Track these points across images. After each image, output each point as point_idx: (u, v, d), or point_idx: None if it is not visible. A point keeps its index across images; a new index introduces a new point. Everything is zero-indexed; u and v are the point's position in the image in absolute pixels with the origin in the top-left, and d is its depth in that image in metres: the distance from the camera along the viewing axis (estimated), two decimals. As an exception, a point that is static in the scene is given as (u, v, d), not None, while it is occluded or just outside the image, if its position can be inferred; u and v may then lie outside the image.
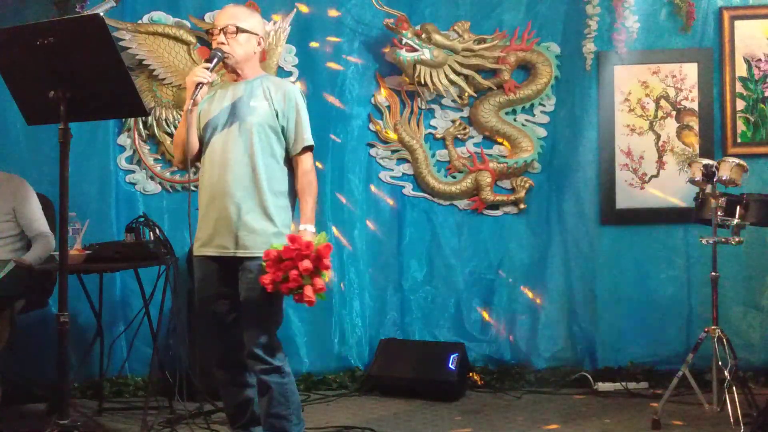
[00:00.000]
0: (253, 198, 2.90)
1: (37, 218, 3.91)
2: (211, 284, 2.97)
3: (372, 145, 4.73)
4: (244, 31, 2.94)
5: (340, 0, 4.68)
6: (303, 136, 2.96)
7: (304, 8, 4.67)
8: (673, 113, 4.60)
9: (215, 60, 2.89)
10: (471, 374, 4.51)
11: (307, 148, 2.97)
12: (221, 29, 2.94)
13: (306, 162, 2.97)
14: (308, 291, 2.69)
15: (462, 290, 4.69)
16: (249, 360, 2.90)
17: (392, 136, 4.70)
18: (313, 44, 4.70)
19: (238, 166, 2.90)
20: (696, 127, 4.58)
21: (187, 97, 2.85)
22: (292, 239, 2.74)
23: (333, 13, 4.69)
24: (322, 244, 2.76)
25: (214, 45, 2.96)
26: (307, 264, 2.67)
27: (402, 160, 4.73)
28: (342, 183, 4.70)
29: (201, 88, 2.84)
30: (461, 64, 4.62)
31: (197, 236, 3.00)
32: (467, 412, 4.02)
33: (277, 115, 2.94)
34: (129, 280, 4.40)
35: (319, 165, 4.64)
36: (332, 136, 4.69)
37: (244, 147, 2.91)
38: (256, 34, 3.00)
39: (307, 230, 2.86)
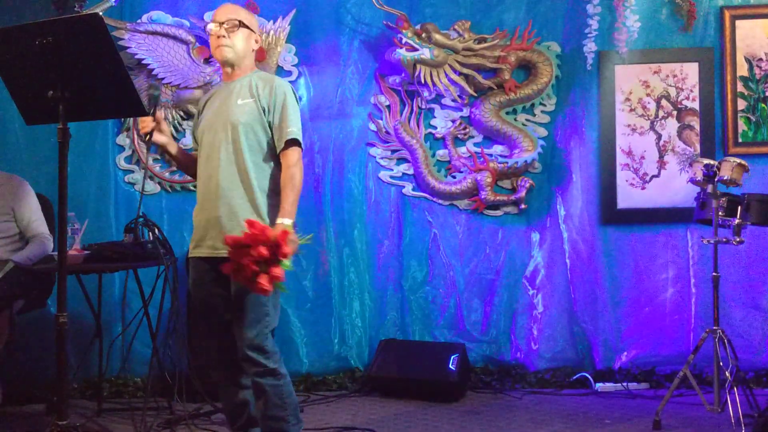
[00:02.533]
0: (243, 197, 2.89)
1: (35, 219, 3.90)
2: (205, 285, 2.95)
3: (372, 145, 4.73)
4: (245, 26, 2.98)
5: (340, 0, 4.67)
6: (287, 130, 2.89)
7: (304, 8, 4.67)
8: (674, 113, 4.59)
9: (154, 102, 3.00)
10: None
11: (292, 142, 2.90)
12: (221, 24, 2.95)
13: (290, 156, 2.89)
14: (262, 279, 2.58)
15: (462, 290, 4.68)
16: (243, 363, 2.87)
17: (392, 133, 4.69)
18: (313, 44, 4.69)
19: (227, 167, 2.90)
20: (697, 127, 4.57)
21: (146, 152, 2.95)
22: (251, 224, 2.65)
23: (333, 12, 4.68)
24: (280, 230, 2.66)
25: (213, 40, 2.97)
26: (261, 250, 2.57)
27: (402, 160, 4.72)
28: (342, 183, 4.69)
29: (150, 137, 2.91)
30: (461, 64, 4.61)
31: (192, 237, 3.00)
32: (467, 413, 4.02)
33: (264, 112, 2.92)
34: (128, 280, 4.39)
35: (320, 164, 4.64)
36: (332, 136, 4.68)
37: (231, 147, 2.90)
38: (254, 32, 3.03)
39: (284, 223, 2.76)
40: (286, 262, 2.64)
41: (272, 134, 2.93)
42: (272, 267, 2.60)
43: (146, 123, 2.90)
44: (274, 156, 2.95)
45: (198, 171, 3.00)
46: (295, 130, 2.91)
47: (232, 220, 2.87)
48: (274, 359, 2.87)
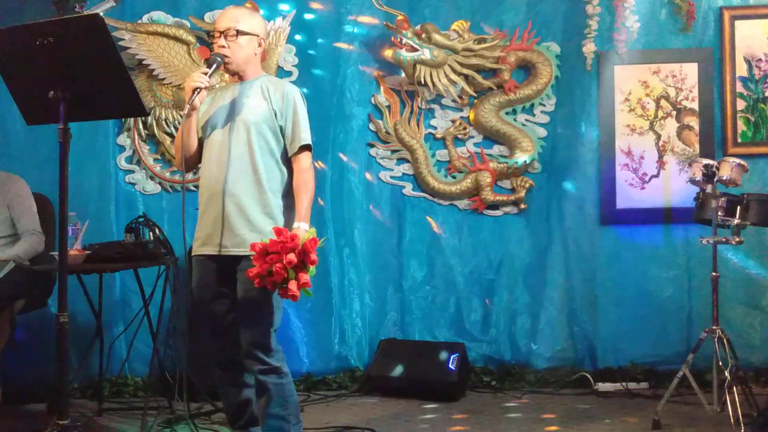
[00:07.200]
0: (253, 196, 2.89)
1: (29, 216, 3.89)
2: (210, 284, 2.95)
3: (372, 145, 4.73)
4: (244, 33, 2.94)
5: (340, 0, 4.67)
6: (300, 135, 2.94)
7: (304, 8, 4.67)
8: (674, 113, 4.60)
9: (214, 65, 2.88)
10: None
11: (305, 148, 2.95)
12: (222, 32, 2.93)
13: (303, 161, 2.95)
14: (292, 285, 2.63)
15: (462, 290, 4.68)
16: (246, 360, 2.89)
17: (392, 133, 4.70)
18: (313, 44, 4.69)
19: (237, 164, 2.89)
20: (696, 127, 4.58)
21: (186, 101, 2.85)
22: (278, 232, 2.69)
23: (333, 13, 4.68)
24: (308, 238, 2.69)
25: (215, 48, 2.95)
26: (291, 257, 2.61)
27: (402, 160, 4.73)
28: (342, 183, 4.69)
29: (198, 93, 2.83)
30: (461, 64, 4.61)
31: (197, 235, 2.99)
32: (467, 412, 4.02)
33: (275, 115, 2.93)
34: (129, 280, 4.40)
35: (320, 165, 4.64)
36: (332, 136, 4.68)
37: (242, 146, 2.90)
38: (257, 36, 2.99)
39: (301, 227, 2.82)
40: (312, 268, 2.68)
41: (283, 138, 2.95)
42: (300, 273, 2.65)
43: (202, 80, 2.82)
44: (282, 158, 2.96)
45: (204, 167, 2.98)
46: (306, 135, 2.96)
47: (240, 219, 2.87)
48: (277, 358, 2.90)
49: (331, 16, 4.69)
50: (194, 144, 3.00)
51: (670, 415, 3.79)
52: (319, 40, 4.69)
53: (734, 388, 3.47)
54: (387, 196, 4.74)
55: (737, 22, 4.54)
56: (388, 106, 4.71)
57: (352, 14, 4.69)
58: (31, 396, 4.21)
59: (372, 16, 4.66)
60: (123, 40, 4.50)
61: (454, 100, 4.69)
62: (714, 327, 3.63)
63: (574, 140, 4.63)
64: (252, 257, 2.70)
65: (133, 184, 4.64)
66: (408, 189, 4.72)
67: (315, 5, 4.68)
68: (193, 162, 3.05)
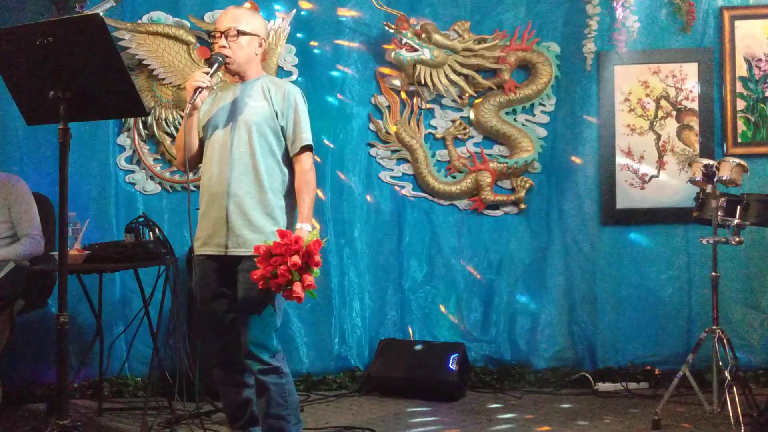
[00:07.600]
0: (254, 196, 2.90)
1: (28, 219, 3.89)
2: (210, 284, 2.96)
3: (372, 145, 4.73)
4: (245, 33, 2.94)
5: (340, 0, 4.68)
6: (301, 135, 2.95)
7: (304, 8, 4.68)
8: (674, 113, 4.60)
9: (216, 65, 2.89)
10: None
11: (306, 148, 2.96)
12: (222, 32, 2.94)
13: (305, 161, 2.96)
14: (296, 287, 2.64)
15: (462, 290, 4.69)
16: (247, 360, 2.90)
17: (392, 129, 4.70)
18: (313, 44, 4.70)
19: (239, 165, 2.90)
20: (696, 127, 4.58)
21: (187, 101, 2.85)
22: (282, 234, 2.70)
23: (333, 13, 4.69)
24: (312, 240, 2.70)
25: (216, 48, 2.94)
26: (295, 259, 2.62)
27: (402, 160, 4.73)
28: (342, 183, 4.69)
29: (200, 92, 2.83)
30: (461, 64, 4.62)
31: (197, 235, 2.99)
32: (467, 412, 4.02)
33: (276, 115, 2.94)
34: (129, 280, 4.40)
35: (318, 160, 4.63)
36: (332, 136, 4.69)
37: (243, 146, 2.91)
38: (258, 36, 2.99)
39: (303, 229, 2.83)
40: (317, 269, 2.69)
41: (284, 138, 2.96)
42: (305, 275, 2.65)
43: (204, 80, 2.82)
44: (283, 159, 2.97)
45: (205, 168, 2.99)
46: (307, 136, 2.97)
47: (241, 219, 2.88)
48: (277, 358, 2.91)
49: (331, 15, 4.69)
50: (195, 144, 3.01)
51: (670, 415, 3.79)
52: (319, 40, 4.69)
53: (734, 388, 3.47)
54: (387, 196, 4.74)
55: (737, 22, 4.54)
56: (388, 106, 4.71)
57: (352, 14, 4.68)
58: (31, 396, 4.22)
59: (372, 16, 4.67)
60: (123, 40, 4.50)
61: (454, 100, 4.69)
62: (714, 327, 3.63)
63: (574, 140, 4.63)
64: (256, 260, 2.71)
65: (133, 184, 4.64)
66: (408, 189, 4.72)
67: (315, 5, 4.68)
68: (194, 162, 3.05)
